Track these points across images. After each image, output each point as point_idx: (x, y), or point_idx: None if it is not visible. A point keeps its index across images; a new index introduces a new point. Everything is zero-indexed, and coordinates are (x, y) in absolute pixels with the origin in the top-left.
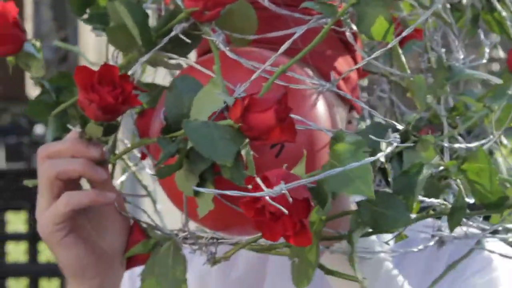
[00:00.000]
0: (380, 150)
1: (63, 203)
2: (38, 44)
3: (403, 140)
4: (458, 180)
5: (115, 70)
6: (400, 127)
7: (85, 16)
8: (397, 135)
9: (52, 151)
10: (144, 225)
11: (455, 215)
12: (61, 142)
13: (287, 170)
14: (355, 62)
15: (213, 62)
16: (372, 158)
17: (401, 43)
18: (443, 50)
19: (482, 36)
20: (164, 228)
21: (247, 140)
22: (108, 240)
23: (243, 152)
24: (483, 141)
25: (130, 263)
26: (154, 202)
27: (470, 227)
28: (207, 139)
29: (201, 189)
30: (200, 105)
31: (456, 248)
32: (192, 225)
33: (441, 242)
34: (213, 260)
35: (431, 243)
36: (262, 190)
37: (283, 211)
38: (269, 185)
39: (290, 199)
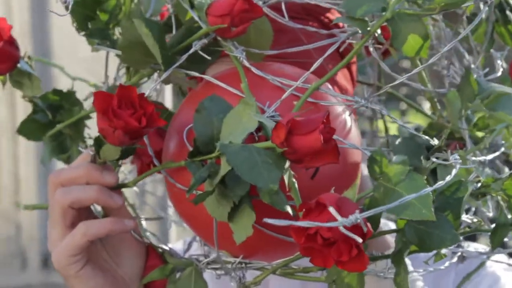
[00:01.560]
0: (421, 167)
1: (80, 234)
2: (32, 62)
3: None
4: (499, 197)
5: (133, 91)
6: (434, 142)
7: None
8: (456, 156)
9: (65, 178)
10: (160, 250)
11: (499, 232)
12: (73, 168)
13: (336, 193)
14: (351, 74)
15: (233, 78)
16: (438, 185)
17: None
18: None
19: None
20: (179, 254)
21: (288, 163)
22: (125, 267)
23: (285, 176)
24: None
25: None
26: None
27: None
28: (249, 164)
29: (271, 221)
30: (231, 127)
31: (463, 264)
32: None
33: (462, 258)
34: (243, 286)
35: (454, 259)
36: (316, 217)
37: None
38: (342, 213)
39: (365, 228)
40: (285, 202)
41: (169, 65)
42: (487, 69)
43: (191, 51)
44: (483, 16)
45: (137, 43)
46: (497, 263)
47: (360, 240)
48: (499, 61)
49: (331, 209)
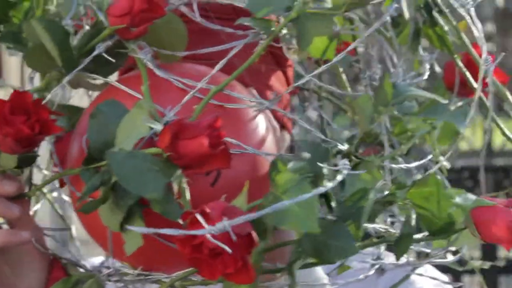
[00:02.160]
0: (322, 174)
1: None
2: None
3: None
4: (406, 206)
5: (27, 97)
6: (342, 147)
7: None
8: (346, 161)
9: None
10: (64, 261)
11: (403, 243)
12: None
13: (226, 201)
14: (286, 78)
15: (138, 80)
16: (320, 190)
17: None
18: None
19: (421, 52)
20: (85, 265)
21: (179, 170)
22: (26, 280)
23: (175, 183)
24: (422, 161)
25: None
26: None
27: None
28: (133, 172)
29: (133, 228)
30: (125, 132)
31: (392, 275)
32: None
33: (381, 270)
34: None
35: (371, 272)
36: (201, 226)
37: (224, 248)
38: (210, 221)
39: (234, 237)
40: (177, 212)
41: (72, 68)
42: (412, 73)
43: (94, 53)
44: (407, 17)
45: (40, 46)
46: (427, 280)
47: (228, 249)
48: (427, 65)
49: (198, 216)
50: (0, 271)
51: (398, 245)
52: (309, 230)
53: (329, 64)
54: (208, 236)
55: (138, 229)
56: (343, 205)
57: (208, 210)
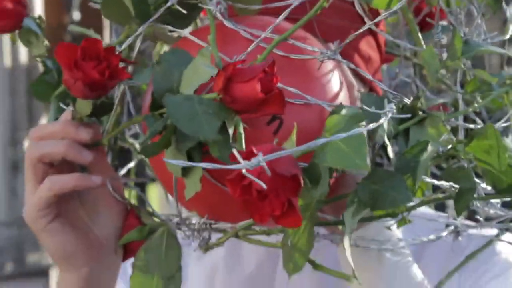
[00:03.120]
0: (382, 126)
1: (46, 188)
2: (40, 20)
3: (410, 116)
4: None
5: (99, 44)
6: (408, 101)
7: None
8: (393, 105)
9: (42, 133)
10: (139, 210)
11: (463, 198)
12: (51, 124)
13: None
14: (377, 43)
15: (208, 32)
16: (363, 129)
17: (426, 24)
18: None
19: (508, 12)
20: (159, 214)
21: (233, 113)
22: (101, 225)
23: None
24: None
25: (129, 253)
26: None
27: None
28: (188, 114)
29: (171, 161)
30: (189, 79)
31: (478, 245)
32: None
33: (456, 233)
34: (206, 247)
35: (444, 233)
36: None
37: (267, 188)
38: (273, 163)
39: (269, 173)
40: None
41: (146, 20)
42: (495, 33)
43: (168, 4)
44: None
45: None
46: (509, 248)
47: (263, 185)
48: (511, 25)
49: (235, 152)
50: (77, 215)
51: (457, 201)
52: (358, 167)
53: (390, 11)
54: (244, 171)
55: (176, 162)
56: (402, 157)
57: (254, 150)
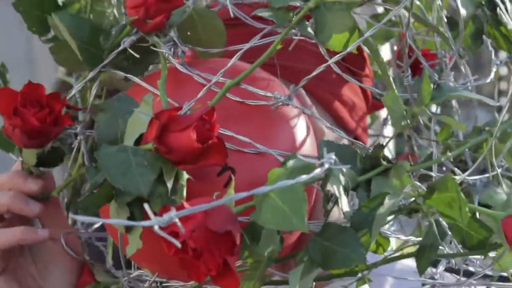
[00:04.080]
0: (334, 177)
1: None
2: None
3: (371, 166)
4: (430, 215)
5: (41, 90)
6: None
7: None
8: (332, 155)
9: None
10: (93, 266)
11: (424, 256)
12: (0, 175)
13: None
14: (363, 90)
15: (168, 77)
16: (302, 179)
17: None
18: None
19: (492, 55)
20: (112, 270)
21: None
22: (52, 283)
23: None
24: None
25: None
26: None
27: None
28: (122, 167)
29: (78, 217)
30: (132, 128)
31: None
32: None
33: None
34: None
35: None
36: (186, 222)
37: (201, 246)
38: (187, 217)
39: (183, 230)
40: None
41: (95, 65)
42: (475, 76)
43: (119, 48)
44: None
45: (64, 41)
46: None
47: (177, 243)
48: (493, 68)
49: (146, 206)
50: (26, 271)
51: (419, 258)
52: (295, 228)
53: (341, 54)
54: (156, 228)
55: (83, 218)
56: (358, 211)
57: (186, 205)
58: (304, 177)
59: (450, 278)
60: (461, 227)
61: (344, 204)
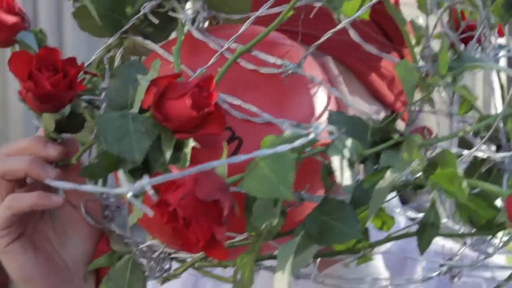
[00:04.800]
0: (360, 154)
1: (4, 207)
2: (41, 34)
3: (381, 139)
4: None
5: (56, 54)
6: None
7: None
8: (319, 126)
9: (10, 150)
10: (111, 235)
11: (426, 234)
12: (21, 140)
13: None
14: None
15: (186, 44)
16: (287, 147)
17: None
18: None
19: None
20: (130, 239)
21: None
22: (70, 249)
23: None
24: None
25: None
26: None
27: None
28: (119, 133)
29: (54, 183)
30: (139, 95)
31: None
32: None
33: (451, 275)
34: (163, 278)
35: (435, 273)
36: (174, 192)
37: (189, 215)
38: (177, 185)
39: (154, 198)
40: None
41: (117, 31)
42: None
43: (139, 14)
44: None
45: (85, 7)
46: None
47: (148, 211)
48: None
49: (120, 173)
50: (45, 236)
51: (420, 237)
52: (281, 196)
53: (351, 18)
54: (129, 195)
55: (60, 184)
56: (359, 186)
57: (175, 170)
58: (286, 146)
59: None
60: (468, 206)
61: (345, 178)
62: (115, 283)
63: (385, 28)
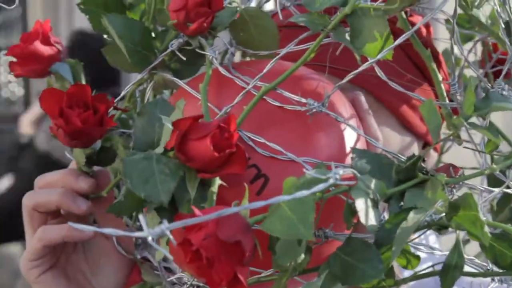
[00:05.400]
0: (384, 193)
1: (37, 239)
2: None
3: (406, 178)
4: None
5: (87, 90)
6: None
7: None
8: (339, 171)
9: (44, 182)
10: (142, 265)
11: (449, 275)
12: (54, 172)
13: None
14: (435, 92)
15: (213, 80)
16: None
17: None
18: None
19: None
20: (160, 271)
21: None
22: (102, 280)
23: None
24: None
25: None
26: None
27: None
28: (144, 175)
29: (76, 225)
30: (164, 135)
31: None
32: None
33: None
34: None
35: None
36: (196, 232)
37: (213, 255)
38: (199, 226)
39: (174, 242)
40: None
41: (146, 67)
42: None
43: (167, 52)
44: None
45: (115, 43)
46: None
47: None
48: None
49: (140, 217)
50: (77, 267)
51: (443, 277)
52: (301, 237)
53: (375, 59)
54: (150, 239)
55: (81, 226)
56: (383, 226)
57: (198, 213)
58: (316, 188)
59: None
60: (494, 246)
61: (369, 218)
62: None
63: (416, 61)
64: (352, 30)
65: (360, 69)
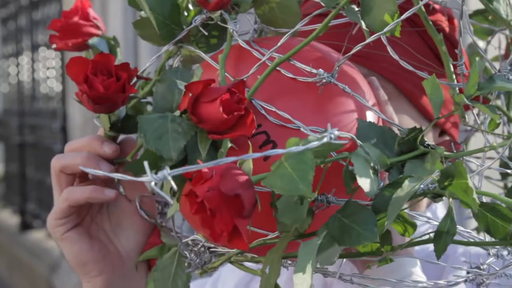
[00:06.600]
0: (384, 162)
1: (62, 199)
2: (114, 40)
3: (407, 149)
4: (450, 199)
5: (111, 59)
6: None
7: None
8: (334, 131)
9: (72, 146)
10: (161, 228)
11: (441, 241)
12: (82, 138)
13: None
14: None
15: (233, 53)
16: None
17: None
18: None
19: None
20: (176, 233)
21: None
22: (123, 240)
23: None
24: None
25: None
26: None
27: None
28: (158, 132)
29: (88, 170)
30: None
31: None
32: None
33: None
34: (202, 270)
35: (461, 279)
36: (201, 185)
37: (215, 207)
38: (204, 180)
39: (174, 185)
40: None
41: (171, 40)
42: None
43: (191, 26)
44: None
45: (146, 17)
46: None
47: (169, 200)
48: None
49: (145, 164)
50: (100, 227)
51: (436, 243)
52: (300, 193)
53: (379, 34)
54: (152, 184)
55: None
56: (380, 193)
57: (205, 169)
58: (310, 144)
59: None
60: (486, 215)
61: (366, 184)
62: (162, 273)
63: (437, 52)
64: (363, 8)
65: (367, 41)
